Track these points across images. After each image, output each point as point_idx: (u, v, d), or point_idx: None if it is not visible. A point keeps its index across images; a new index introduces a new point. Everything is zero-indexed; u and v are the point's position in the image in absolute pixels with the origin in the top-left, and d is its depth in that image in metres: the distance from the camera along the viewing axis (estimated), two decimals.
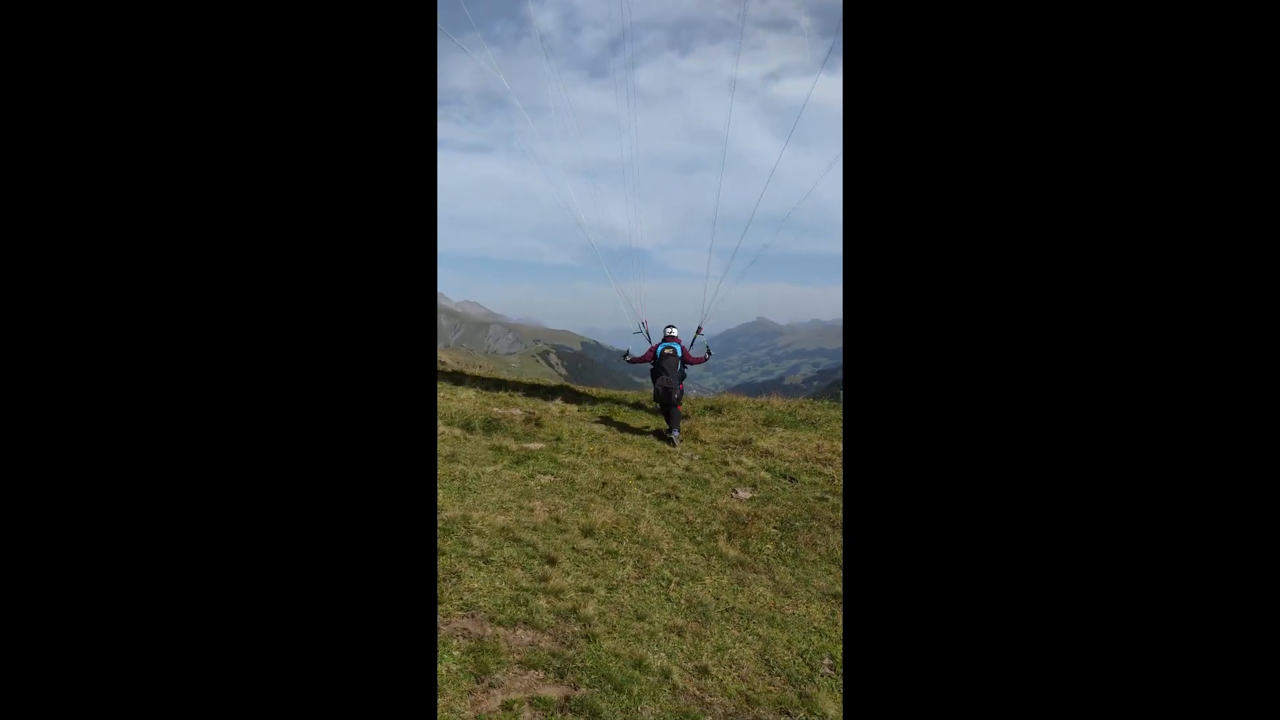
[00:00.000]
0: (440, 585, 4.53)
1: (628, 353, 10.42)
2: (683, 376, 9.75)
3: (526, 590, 4.66)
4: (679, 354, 9.68)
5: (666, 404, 9.44)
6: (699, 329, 10.73)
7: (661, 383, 9.33)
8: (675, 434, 9.37)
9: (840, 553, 6.55)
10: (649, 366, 9.89)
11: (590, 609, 4.51)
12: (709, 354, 10.67)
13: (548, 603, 4.52)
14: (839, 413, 13.90)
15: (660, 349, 9.64)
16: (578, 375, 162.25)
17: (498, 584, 4.71)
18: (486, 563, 5.01)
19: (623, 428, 11.08)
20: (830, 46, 9.08)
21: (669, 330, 10.13)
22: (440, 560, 4.89)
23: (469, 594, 4.47)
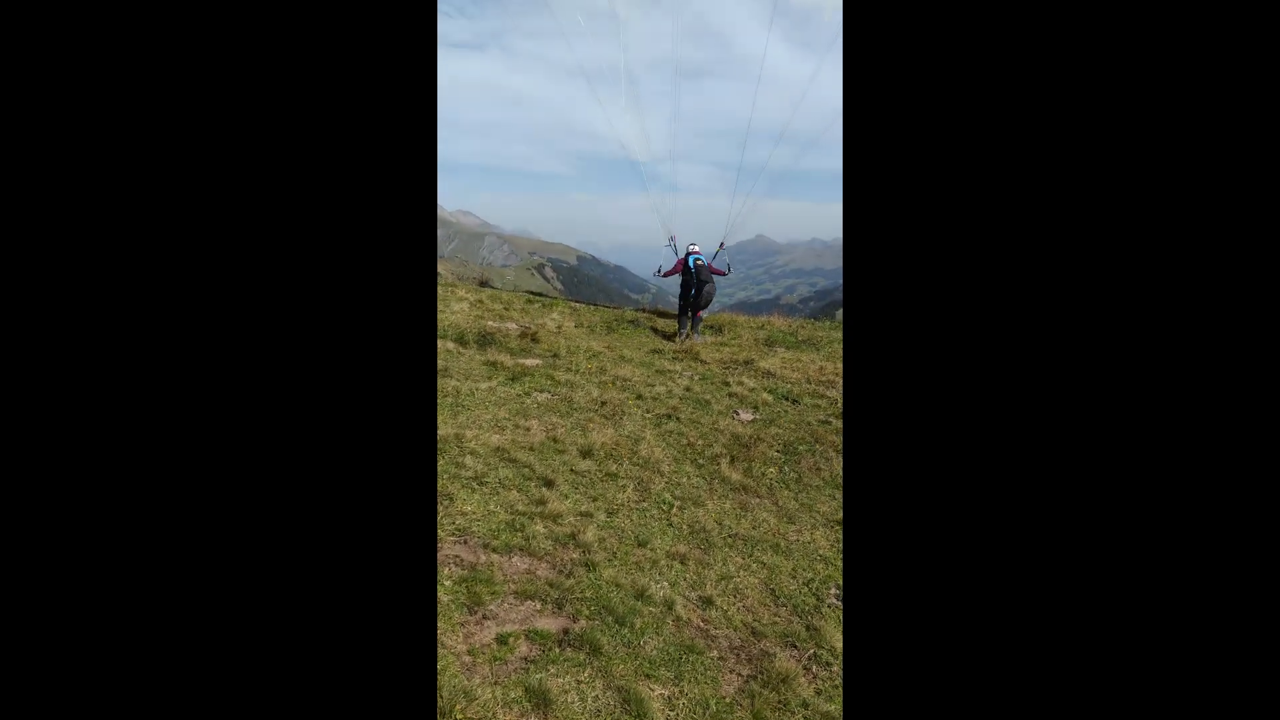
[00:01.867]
0: None
1: (660, 268, 11.45)
2: (705, 285, 10.95)
3: (523, 514, 4.44)
4: (706, 264, 10.91)
5: (695, 307, 10.85)
6: (721, 244, 11.63)
7: (707, 290, 10.76)
8: (693, 334, 10.82)
9: (839, 474, 6.40)
10: (679, 277, 11.10)
11: (589, 534, 4.31)
12: (729, 269, 11.55)
13: (545, 528, 4.31)
14: (840, 334, 13.70)
15: (691, 260, 10.86)
16: (573, 289, 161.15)
17: (492, 507, 4.49)
18: (480, 484, 4.78)
19: (622, 345, 10.80)
20: None
21: (692, 246, 11.20)
22: None
23: (462, 518, 4.25)
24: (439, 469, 4.85)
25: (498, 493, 4.72)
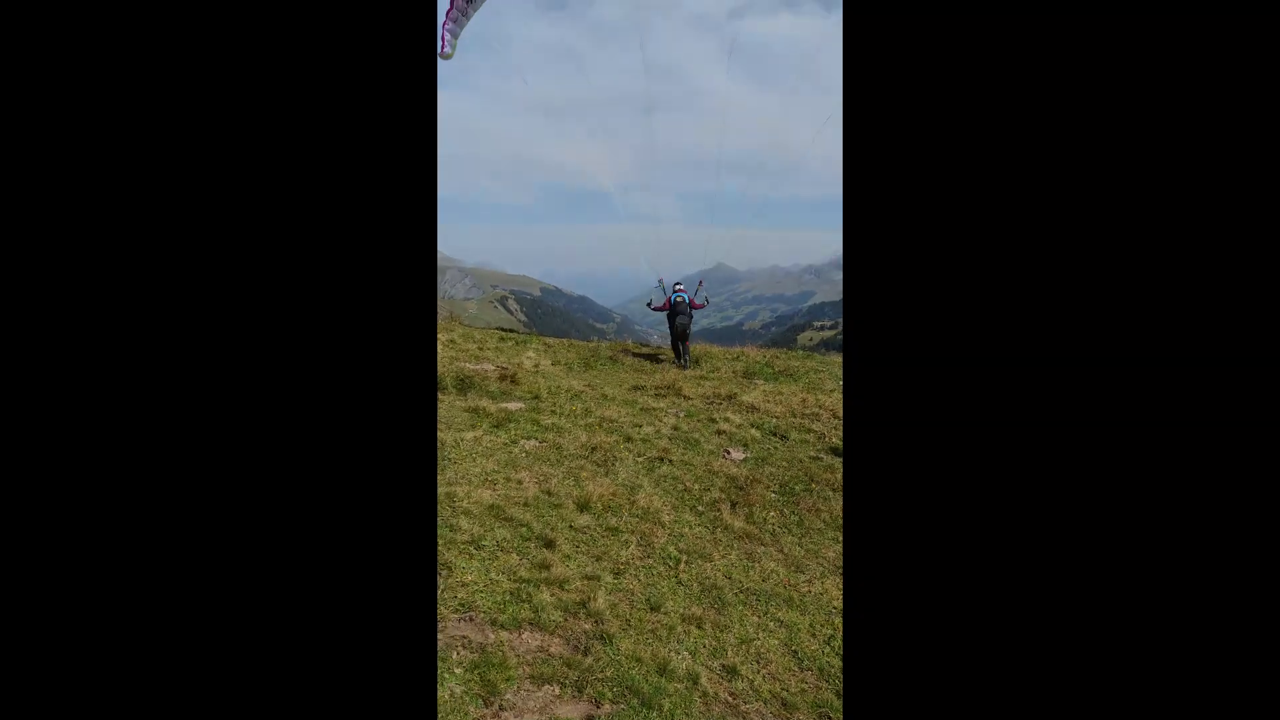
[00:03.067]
0: None
1: (650, 302, 12.65)
2: (690, 318, 12.37)
3: (527, 581, 4.16)
4: (688, 301, 12.19)
5: (681, 339, 12.23)
6: (700, 282, 12.81)
7: (679, 321, 12.06)
8: (685, 361, 12.21)
9: (840, 515, 6.26)
10: (666, 313, 12.34)
11: (600, 601, 4.04)
12: (707, 301, 12.72)
13: (552, 595, 4.04)
14: (815, 363, 13.73)
15: (674, 298, 12.17)
16: (537, 321, 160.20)
17: (494, 575, 4.20)
18: (478, 549, 4.48)
19: (602, 383, 10.59)
20: None
21: (677, 286, 12.49)
22: None
23: (464, 590, 3.96)
24: None
25: (497, 557, 4.43)
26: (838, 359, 14.96)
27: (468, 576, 4.11)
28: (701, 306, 12.41)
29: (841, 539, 5.83)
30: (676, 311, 12.13)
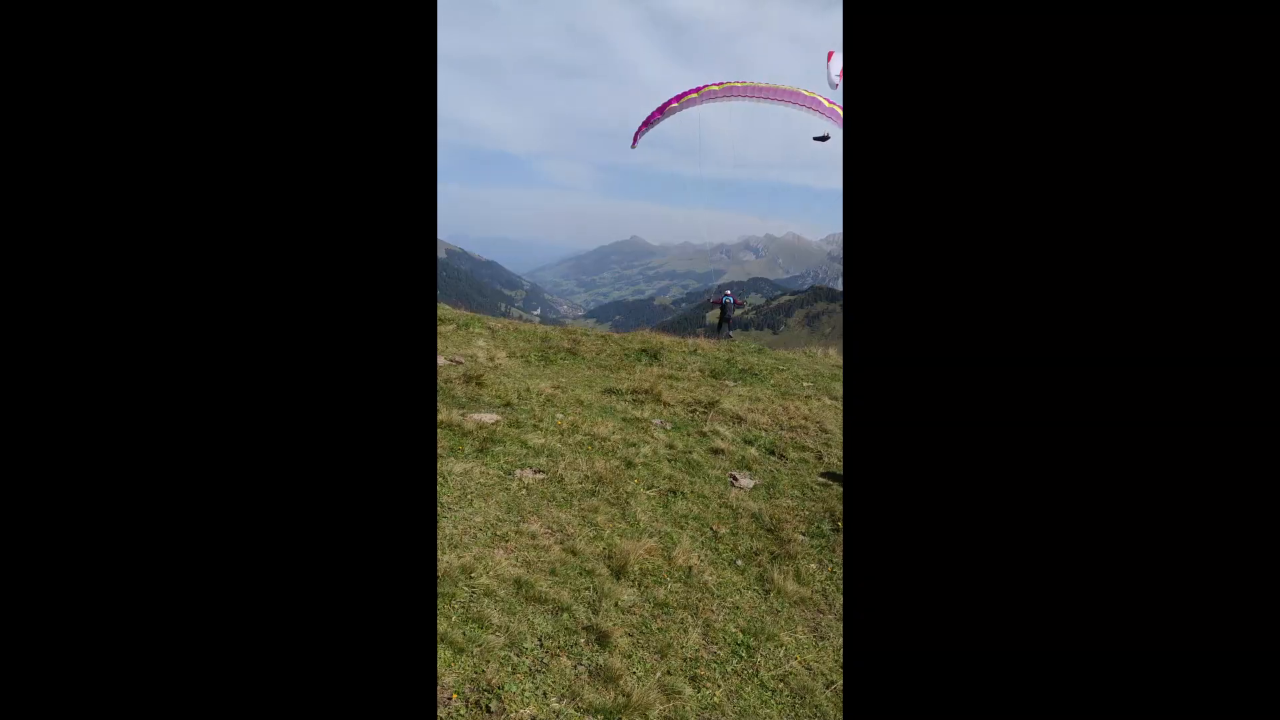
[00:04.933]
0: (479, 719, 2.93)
1: (710, 297, 18.51)
2: (730, 313, 17.27)
3: (599, 710, 3.17)
4: (733, 302, 17.21)
5: (726, 322, 16.97)
6: (727, 290, 17.63)
7: (729, 314, 17.04)
8: (727, 335, 16.38)
9: None
10: (719, 306, 17.30)
11: None
12: (723, 300, 17.47)
13: None
14: (773, 360, 13.38)
15: (725, 299, 17.06)
16: (443, 285, 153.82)
17: (556, 703, 3.18)
18: (521, 654, 3.44)
19: (570, 382, 9.55)
20: None
21: (726, 291, 17.28)
22: (460, 659, 3.26)
23: None
24: (461, 632, 3.45)
25: (548, 668, 3.40)
26: (792, 355, 14.80)
27: (525, 710, 3.06)
28: (741, 305, 17.76)
29: None
30: (725, 307, 17.25)
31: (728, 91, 11.27)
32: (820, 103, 11.42)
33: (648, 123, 11.51)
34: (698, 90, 11.71)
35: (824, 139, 12.09)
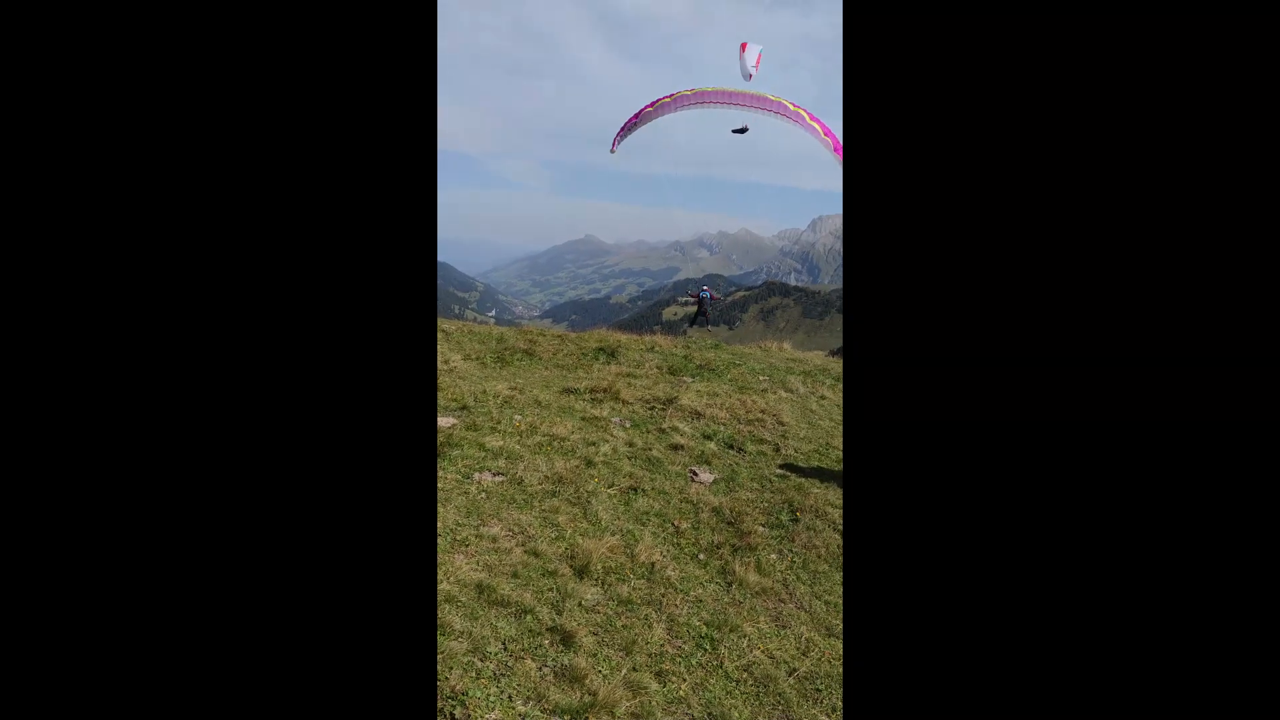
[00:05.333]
0: None
1: (687, 300, 18.72)
2: (709, 307, 17.97)
3: (565, 711, 3.16)
4: (709, 297, 17.66)
5: (703, 315, 17.58)
6: (705, 288, 18.05)
7: (706, 308, 17.51)
8: (706, 325, 17.66)
9: (839, 551, 5.77)
10: (696, 301, 17.84)
11: None
12: (717, 297, 18.60)
13: None
14: (729, 355, 13.48)
15: (702, 294, 17.56)
16: None
17: (521, 706, 3.15)
18: (484, 658, 3.40)
19: (527, 383, 9.48)
20: None
21: (704, 288, 17.83)
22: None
23: None
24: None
25: (513, 670, 3.37)
26: (747, 349, 14.93)
27: (490, 714, 3.03)
28: (718, 299, 18.71)
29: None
30: (702, 302, 17.93)
31: (699, 97, 11.54)
32: (785, 107, 11.68)
33: (625, 129, 11.84)
34: (671, 96, 11.99)
35: (742, 131, 12.37)
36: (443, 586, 3.91)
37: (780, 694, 3.77)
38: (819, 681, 3.96)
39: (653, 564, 4.83)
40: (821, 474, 7.41)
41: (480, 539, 4.65)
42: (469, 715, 3.00)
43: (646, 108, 12.20)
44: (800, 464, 7.65)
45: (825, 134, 11.22)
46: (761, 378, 11.56)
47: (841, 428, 9.32)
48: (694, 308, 18.13)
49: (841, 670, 4.10)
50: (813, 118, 11.71)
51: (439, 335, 12.52)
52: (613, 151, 12.32)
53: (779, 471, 7.39)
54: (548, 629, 3.78)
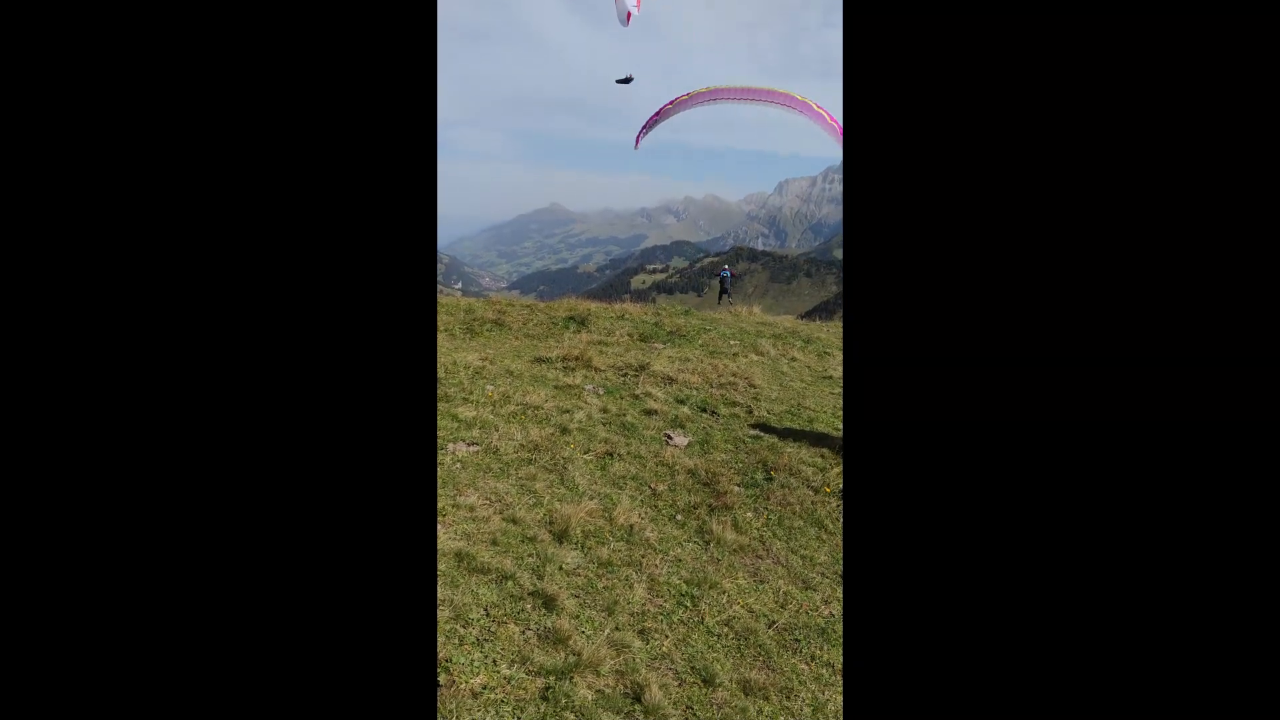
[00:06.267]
0: None
1: (716, 279, 23.74)
2: (729, 284, 21.92)
3: (550, 671, 3.19)
4: (729, 275, 21.74)
5: (725, 292, 20.93)
6: (726, 266, 22.27)
7: (726, 285, 21.31)
8: (728, 301, 19.69)
9: (813, 507, 5.88)
10: (719, 279, 21.93)
11: (654, 690, 3.19)
12: (721, 275, 22.81)
13: (592, 690, 3.12)
14: (699, 321, 13.50)
15: (723, 274, 21.51)
16: None
17: (506, 670, 3.17)
18: (467, 625, 3.40)
19: (499, 354, 9.39)
20: None
21: (725, 267, 21.09)
22: None
23: (479, 707, 2.91)
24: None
25: (496, 635, 3.39)
26: (717, 315, 14.97)
27: (475, 679, 3.04)
28: (737, 275, 24.52)
29: (823, 536, 5.43)
30: (723, 280, 21.46)
31: (714, 94, 12.07)
32: (794, 99, 12.00)
33: (647, 125, 12.63)
34: (688, 94, 12.85)
35: (627, 80, 12.79)
36: None
37: (761, 645, 3.85)
38: (797, 632, 4.06)
39: (631, 526, 4.86)
40: (794, 434, 7.50)
41: (457, 508, 4.62)
42: (454, 681, 3.01)
43: (667, 105, 12.87)
44: (773, 424, 7.72)
45: (830, 121, 11.31)
46: (732, 342, 11.62)
47: (811, 388, 9.45)
48: (718, 288, 22.30)
49: (819, 621, 4.21)
50: (819, 107, 11.78)
51: None
52: (636, 148, 13.01)
53: (752, 432, 7.47)
54: (529, 593, 3.80)
